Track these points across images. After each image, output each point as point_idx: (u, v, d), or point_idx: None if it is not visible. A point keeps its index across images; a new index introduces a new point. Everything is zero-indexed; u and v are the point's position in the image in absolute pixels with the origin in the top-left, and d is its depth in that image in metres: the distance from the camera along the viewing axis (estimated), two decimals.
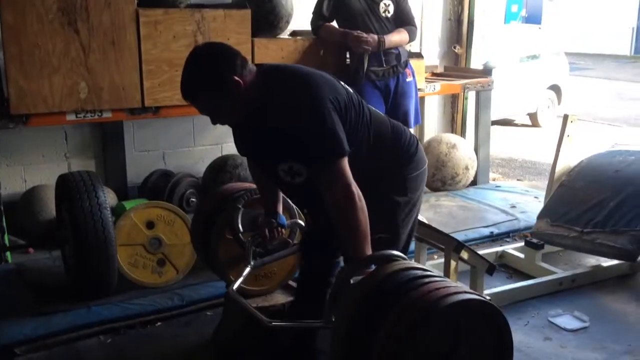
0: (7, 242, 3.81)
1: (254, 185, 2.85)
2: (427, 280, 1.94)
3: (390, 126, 2.47)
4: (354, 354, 1.93)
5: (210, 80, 2.17)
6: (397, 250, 2.21)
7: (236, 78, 2.17)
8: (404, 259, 2.12)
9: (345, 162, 2.16)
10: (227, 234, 2.81)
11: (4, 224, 3.78)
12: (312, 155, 2.17)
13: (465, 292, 1.92)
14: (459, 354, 1.87)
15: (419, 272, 2.00)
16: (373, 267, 2.09)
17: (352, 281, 2.06)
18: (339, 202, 2.13)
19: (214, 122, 2.32)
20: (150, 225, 3.46)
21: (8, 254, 3.83)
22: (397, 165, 2.43)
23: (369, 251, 2.13)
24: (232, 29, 4.04)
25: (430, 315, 1.81)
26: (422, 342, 1.82)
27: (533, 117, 9.74)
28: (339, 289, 2.09)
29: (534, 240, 3.89)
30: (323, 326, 2.14)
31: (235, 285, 2.57)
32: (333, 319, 2.06)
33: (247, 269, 2.65)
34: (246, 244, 2.69)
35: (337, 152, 2.14)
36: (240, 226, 2.73)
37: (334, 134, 2.15)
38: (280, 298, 2.98)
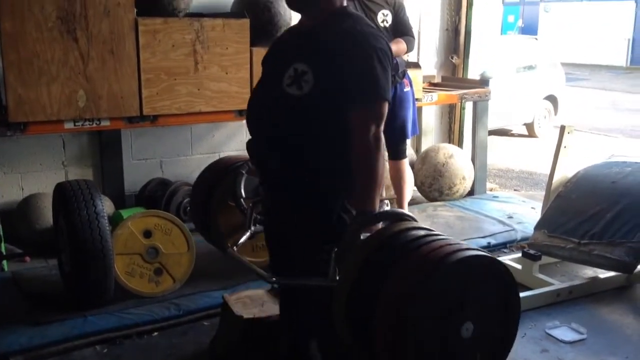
0: (3, 250, 3.80)
1: None
2: (436, 238, 1.92)
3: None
4: (357, 314, 1.89)
5: None
6: None
7: None
8: (413, 219, 2.10)
9: (386, 109, 2.10)
10: (229, 200, 2.79)
11: (1, 232, 3.77)
12: (362, 88, 2.07)
13: (475, 249, 1.91)
14: (466, 311, 1.85)
15: (428, 231, 1.98)
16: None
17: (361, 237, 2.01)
18: (367, 146, 2.05)
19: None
20: (147, 234, 3.45)
21: (4, 262, 3.82)
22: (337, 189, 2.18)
23: (377, 206, 2.07)
24: (231, 38, 4.05)
25: (438, 270, 1.79)
26: (428, 298, 1.79)
27: (530, 127, 9.76)
28: (347, 245, 2.02)
29: (531, 251, 3.89)
30: (328, 284, 2.06)
31: (235, 246, 2.55)
32: (337, 278, 2.01)
33: (247, 234, 2.64)
34: (247, 209, 2.68)
35: (384, 93, 2.09)
36: (242, 191, 2.72)
37: (387, 77, 2.10)
38: (277, 309, 2.95)
